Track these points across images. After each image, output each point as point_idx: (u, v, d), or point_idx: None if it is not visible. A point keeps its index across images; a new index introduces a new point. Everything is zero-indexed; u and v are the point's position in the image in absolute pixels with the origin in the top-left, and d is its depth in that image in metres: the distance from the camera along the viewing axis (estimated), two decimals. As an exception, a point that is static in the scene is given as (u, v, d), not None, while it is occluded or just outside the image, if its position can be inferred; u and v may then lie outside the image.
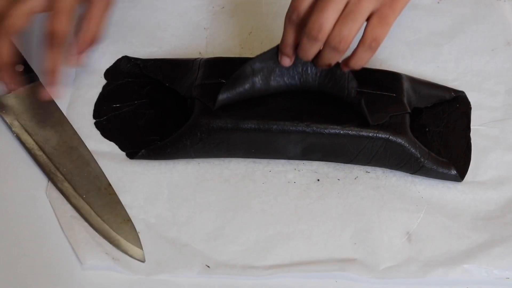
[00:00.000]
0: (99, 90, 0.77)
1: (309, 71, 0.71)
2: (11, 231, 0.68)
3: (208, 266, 0.66)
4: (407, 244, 0.69)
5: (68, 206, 0.69)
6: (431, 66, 0.82)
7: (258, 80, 0.71)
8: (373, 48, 0.66)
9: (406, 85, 0.74)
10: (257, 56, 0.70)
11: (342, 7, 0.65)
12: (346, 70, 0.69)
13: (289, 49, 0.69)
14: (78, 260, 0.66)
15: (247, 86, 0.71)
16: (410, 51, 0.83)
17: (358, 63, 0.68)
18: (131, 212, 0.69)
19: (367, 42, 0.66)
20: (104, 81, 0.78)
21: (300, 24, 0.67)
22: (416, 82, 0.76)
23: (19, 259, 0.66)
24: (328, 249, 0.68)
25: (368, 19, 0.66)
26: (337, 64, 0.69)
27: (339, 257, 0.68)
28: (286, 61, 0.70)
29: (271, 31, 0.81)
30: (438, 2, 0.88)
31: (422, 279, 0.67)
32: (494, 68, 0.82)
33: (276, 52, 0.70)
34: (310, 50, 0.67)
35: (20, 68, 0.76)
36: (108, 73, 0.79)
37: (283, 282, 0.67)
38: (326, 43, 0.66)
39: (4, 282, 0.65)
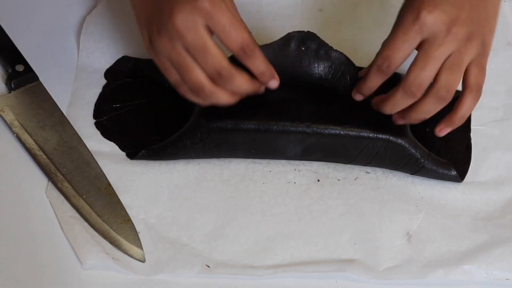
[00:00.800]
0: (99, 90, 0.77)
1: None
2: (11, 231, 0.68)
3: (208, 266, 0.66)
4: (407, 244, 0.69)
5: (68, 206, 0.69)
6: (432, 66, 0.82)
7: None
8: (479, 94, 0.67)
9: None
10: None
11: (443, 62, 0.65)
12: (443, 132, 0.69)
13: (368, 92, 0.69)
14: (78, 260, 0.66)
15: None
16: (410, 51, 0.83)
17: (464, 112, 0.68)
18: (131, 212, 0.69)
19: (474, 90, 0.66)
20: (104, 81, 0.78)
21: (389, 73, 0.67)
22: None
23: (19, 259, 0.66)
24: (328, 250, 0.68)
25: (467, 68, 0.66)
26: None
27: (339, 257, 0.68)
28: (359, 98, 0.71)
29: (271, 31, 0.81)
30: (438, 2, 0.87)
31: (422, 280, 0.67)
32: (494, 68, 0.82)
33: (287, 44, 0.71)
34: (403, 105, 0.67)
35: (20, 68, 0.75)
36: (108, 73, 0.78)
37: (283, 282, 0.67)
38: (430, 93, 0.66)
39: (4, 282, 0.65)
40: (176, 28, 0.64)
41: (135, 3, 0.69)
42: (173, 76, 0.67)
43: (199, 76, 0.65)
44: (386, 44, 0.66)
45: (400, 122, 0.70)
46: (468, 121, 0.77)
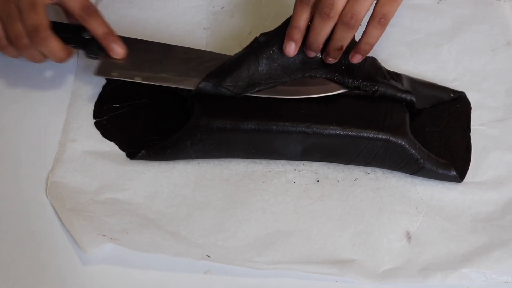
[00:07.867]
0: (99, 90, 0.77)
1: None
2: (11, 231, 0.68)
3: (209, 256, 0.66)
4: (407, 246, 0.69)
5: (67, 200, 0.69)
6: (431, 66, 0.82)
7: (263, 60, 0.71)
8: (383, 24, 0.68)
9: (406, 85, 0.74)
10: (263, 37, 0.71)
11: None
12: (356, 59, 0.71)
13: (297, 32, 0.69)
14: (79, 258, 0.67)
15: (252, 66, 0.71)
16: (410, 51, 0.83)
17: (369, 41, 0.69)
18: (130, 208, 0.69)
19: (377, 19, 0.68)
20: (104, 81, 0.78)
21: (312, 5, 0.68)
22: (416, 83, 0.76)
23: (19, 259, 0.66)
24: (328, 249, 0.68)
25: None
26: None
27: (338, 257, 0.68)
28: (291, 48, 0.70)
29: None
30: (438, 2, 0.88)
31: (421, 283, 0.67)
32: (494, 68, 0.82)
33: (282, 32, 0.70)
34: (322, 30, 0.68)
35: None
36: (108, 73, 0.79)
37: (283, 282, 0.67)
38: (338, 20, 0.67)
39: (4, 282, 0.65)
40: None
41: None
42: None
43: (20, 27, 0.70)
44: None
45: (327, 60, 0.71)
46: (468, 121, 0.77)
